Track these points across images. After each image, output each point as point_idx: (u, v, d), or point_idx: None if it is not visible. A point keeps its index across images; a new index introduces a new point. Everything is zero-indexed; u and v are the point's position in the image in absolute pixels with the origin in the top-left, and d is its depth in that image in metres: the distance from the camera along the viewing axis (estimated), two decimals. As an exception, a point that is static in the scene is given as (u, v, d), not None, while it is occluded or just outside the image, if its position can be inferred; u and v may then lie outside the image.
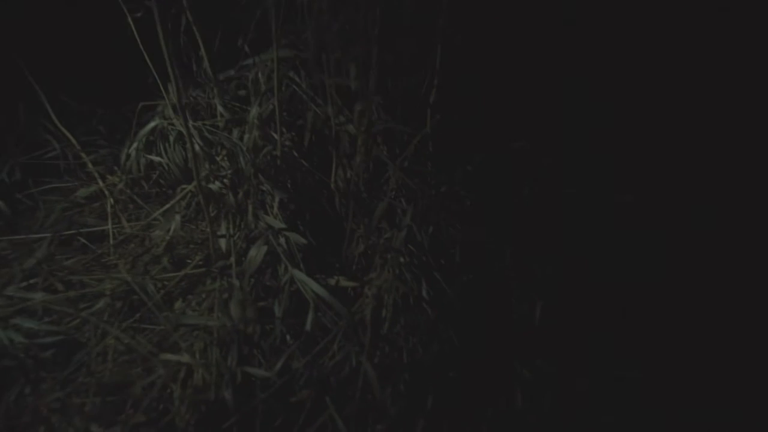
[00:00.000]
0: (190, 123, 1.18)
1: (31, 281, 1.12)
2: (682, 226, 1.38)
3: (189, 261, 1.19)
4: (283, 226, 1.15)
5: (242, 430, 0.98)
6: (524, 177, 1.35)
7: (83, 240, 1.23)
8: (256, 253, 1.11)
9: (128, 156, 1.26)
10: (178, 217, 1.21)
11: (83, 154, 1.31)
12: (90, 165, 1.31)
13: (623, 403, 1.13)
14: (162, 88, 1.20)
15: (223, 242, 1.17)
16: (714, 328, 1.25)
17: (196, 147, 1.18)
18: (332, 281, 1.16)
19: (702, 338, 1.23)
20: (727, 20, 1.44)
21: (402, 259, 1.15)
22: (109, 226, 1.24)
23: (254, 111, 1.19)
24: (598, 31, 1.43)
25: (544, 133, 1.39)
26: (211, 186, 1.20)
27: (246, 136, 1.21)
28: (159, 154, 1.26)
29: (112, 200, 1.27)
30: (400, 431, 1.02)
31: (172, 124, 1.25)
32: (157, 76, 1.18)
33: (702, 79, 1.48)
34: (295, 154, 1.22)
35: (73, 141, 1.31)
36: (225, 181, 1.21)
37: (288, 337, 1.09)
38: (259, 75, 1.23)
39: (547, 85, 1.40)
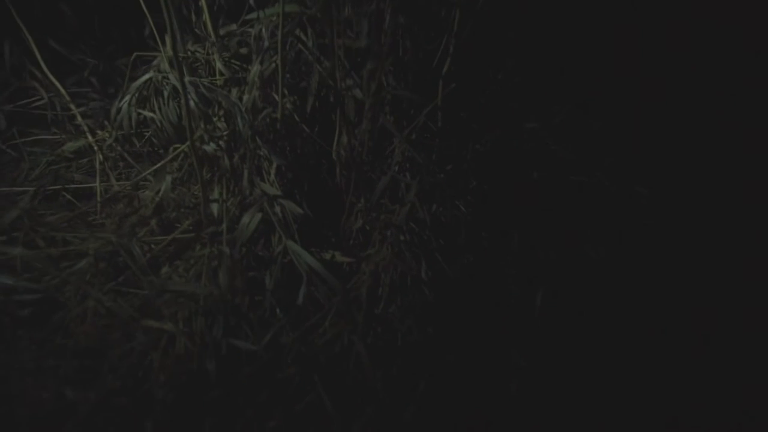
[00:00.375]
0: (187, 78, 1.11)
1: (12, 235, 1.07)
2: (693, 220, 1.33)
3: (178, 225, 1.13)
4: (279, 193, 1.09)
5: (224, 404, 0.94)
6: (534, 160, 1.29)
7: (68, 196, 1.18)
8: (250, 220, 1.06)
9: (119, 110, 1.19)
10: (169, 178, 1.15)
11: (72, 106, 1.25)
12: (79, 117, 1.25)
13: (620, 394, 1.10)
14: (158, 40, 1.13)
15: (215, 207, 1.11)
16: (715, 323, 1.21)
17: (192, 104, 1.11)
18: (327, 255, 1.12)
19: (703, 333, 1.20)
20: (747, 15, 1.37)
21: (402, 237, 1.10)
22: (97, 183, 1.19)
23: (255, 69, 1.12)
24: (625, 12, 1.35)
25: (557, 116, 1.32)
26: (205, 147, 1.13)
27: (245, 97, 1.13)
28: (152, 110, 1.19)
29: (101, 156, 1.21)
30: (390, 415, 0.98)
31: (168, 79, 1.17)
32: (154, 27, 1.12)
33: (727, 66, 1.41)
34: (297, 118, 1.15)
35: (63, 91, 1.24)
36: (220, 142, 1.14)
37: (278, 310, 1.04)
38: (263, 31, 1.14)
39: (565, 68, 1.33)
